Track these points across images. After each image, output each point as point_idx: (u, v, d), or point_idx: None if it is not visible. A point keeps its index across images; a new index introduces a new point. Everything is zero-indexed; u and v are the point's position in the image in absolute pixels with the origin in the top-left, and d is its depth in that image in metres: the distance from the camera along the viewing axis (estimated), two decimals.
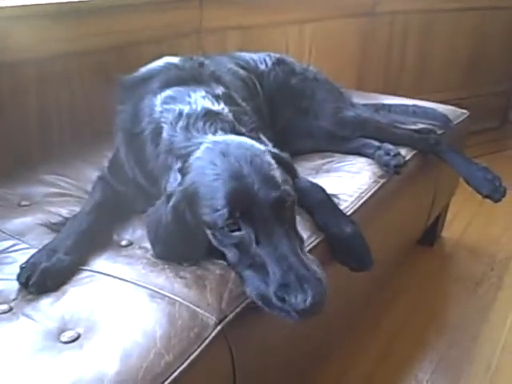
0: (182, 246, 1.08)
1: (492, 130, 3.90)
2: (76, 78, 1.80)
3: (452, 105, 2.25)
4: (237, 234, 1.00)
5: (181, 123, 1.16)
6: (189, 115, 1.17)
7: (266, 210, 0.99)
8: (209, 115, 1.18)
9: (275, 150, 1.14)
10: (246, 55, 1.84)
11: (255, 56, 1.85)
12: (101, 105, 1.75)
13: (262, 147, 1.11)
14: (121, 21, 1.86)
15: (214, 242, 1.05)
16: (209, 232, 1.05)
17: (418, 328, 1.93)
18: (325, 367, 1.72)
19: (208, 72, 1.38)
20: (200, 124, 1.16)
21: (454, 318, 1.99)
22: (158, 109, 1.23)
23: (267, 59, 1.84)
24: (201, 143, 1.10)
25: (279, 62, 1.84)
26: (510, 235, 2.54)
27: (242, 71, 1.72)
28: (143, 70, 1.39)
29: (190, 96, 1.24)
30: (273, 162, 1.07)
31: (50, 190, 1.45)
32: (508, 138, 3.91)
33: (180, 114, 1.18)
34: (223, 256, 1.06)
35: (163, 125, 1.19)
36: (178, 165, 1.10)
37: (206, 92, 1.27)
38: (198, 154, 1.08)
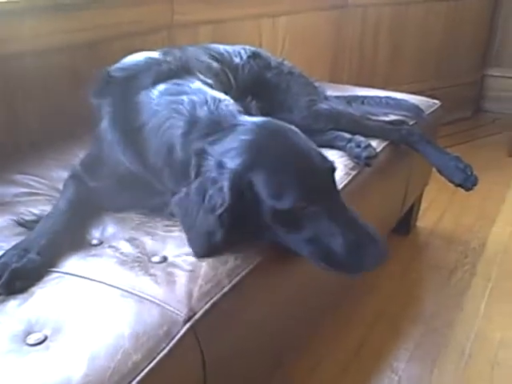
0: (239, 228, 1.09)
1: (464, 119, 3.95)
2: (46, 76, 1.77)
3: (425, 95, 2.27)
4: (309, 210, 1.04)
5: (199, 109, 1.16)
6: (202, 102, 1.17)
7: (327, 182, 1.07)
8: (221, 101, 1.19)
9: None
10: (221, 47, 1.82)
11: (230, 48, 1.83)
12: (72, 103, 1.72)
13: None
14: (91, 17, 1.82)
15: (274, 223, 1.06)
16: (270, 213, 1.05)
17: (394, 317, 1.95)
18: (300, 358, 1.73)
19: (191, 64, 1.38)
20: (222, 107, 1.17)
21: (429, 306, 2.02)
22: (158, 101, 1.21)
23: (242, 52, 1.83)
24: (236, 125, 1.11)
25: (254, 56, 1.82)
26: (483, 223, 2.58)
27: (215, 64, 1.69)
28: (124, 64, 1.36)
29: (190, 87, 1.24)
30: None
31: (20, 190, 1.41)
32: (480, 127, 3.96)
33: (191, 101, 1.18)
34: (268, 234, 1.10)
35: (174, 114, 1.17)
36: (216, 148, 1.08)
37: (202, 82, 1.29)
38: (241, 135, 1.08)
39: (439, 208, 2.70)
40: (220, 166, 1.06)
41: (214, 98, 1.20)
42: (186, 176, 1.13)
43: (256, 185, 1.04)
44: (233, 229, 1.07)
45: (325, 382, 1.66)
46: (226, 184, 1.04)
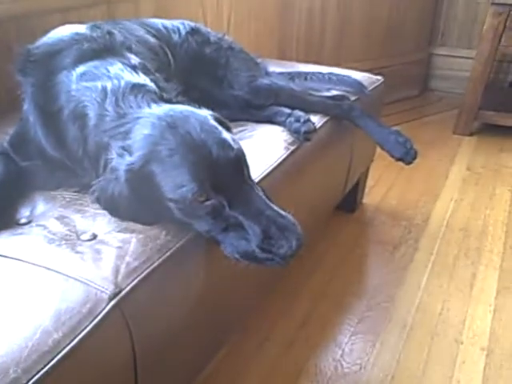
0: (146, 212, 1.09)
1: (412, 98, 4.02)
2: None
3: (372, 74, 2.27)
4: (208, 203, 1.01)
5: (108, 100, 1.12)
6: (114, 91, 1.13)
7: (230, 172, 1.03)
8: (135, 88, 1.15)
9: (213, 113, 1.15)
10: (159, 22, 1.77)
11: (168, 24, 1.78)
12: (2, 78, 1.64)
13: (203, 112, 1.11)
14: None
15: (180, 215, 1.05)
16: (173, 207, 1.03)
17: (338, 292, 1.97)
18: (245, 335, 1.73)
19: (119, 41, 1.32)
20: (131, 98, 1.12)
21: (373, 281, 2.05)
22: (76, 87, 1.16)
23: (181, 28, 1.78)
24: (138, 118, 1.07)
25: (193, 32, 1.78)
26: (427, 199, 2.63)
27: (153, 40, 1.65)
28: (48, 39, 1.28)
29: (108, 70, 1.18)
30: (217, 124, 1.09)
31: None
32: (427, 105, 4.04)
33: (104, 90, 1.13)
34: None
35: (87, 103, 1.13)
36: (119, 143, 1.06)
37: (123, 64, 1.22)
38: (142, 130, 1.05)
39: (385, 185, 2.74)
40: (119, 160, 1.05)
41: (128, 85, 1.15)
42: (99, 169, 1.12)
43: (155, 177, 1.02)
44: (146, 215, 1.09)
45: (271, 357, 1.68)
46: (122, 178, 1.03)
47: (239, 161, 1.06)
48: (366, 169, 2.41)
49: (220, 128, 1.08)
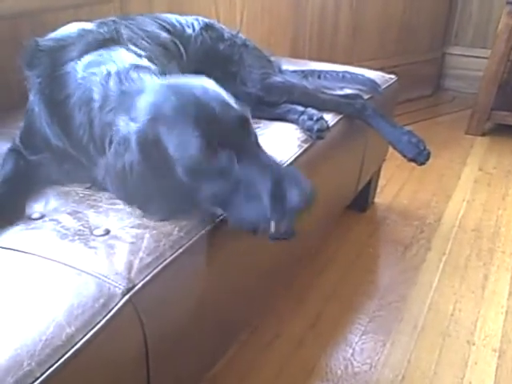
0: (158, 190, 1.06)
1: (425, 97, 3.99)
2: None
3: (385, 73, 2.25)
4: (216, 159, 1.00)
5: (112, 81, 1.12)
6: (118, 72, 1.13)
7: (235, 131, 1.02)
8: (139, 68, 1.16)
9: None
10: (173, 17, 1.76)
11: (182, 19, 1.78)
12: (14, 73, 1.65)
13: (207, 80, 1.12)
14: None
15: (189, 179, 1.03)
16: (182, 171, 1.02)
17: (349, 291, 1.96)
18: (256, 333, 1.73)
19: (126, 37, 1.33)
20: (134, 76, 1.13)
21: (384, 281, 2.04)
22: (82, 75, 1.17)
23: (195, 24, 1.78)
24: (142, 90, 1.07)
25: (207, 28, 1.78)
26: (439, 199, 2.61)
27: (164, 34, 1.64)
28: (56, 35, 1.29)
29: (112, 56, 1.19)
30: (221, 89, 1.09)
31: None
32: (440, 104, 4.01)
33: (108, 73, 1.14)
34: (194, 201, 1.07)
35: (92, 87, 1.13)
36: (124, 117, 1.05)
37: (128, 50, 1.24)
38: (145, 98, 1.05)
39: (397, 184, 2.72)
40: (127, 129, 1.04)
41: (132, 66, 1.16)
42: (106, 151, 1.10)
43: (162, 141, 1.01)
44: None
45: (281, 355, 1.67)
46: (133, 143, 1.02)
47: (244, 121, 1.05)
48: (378, 168, 2.40)
49: (224, 92, 1.09)
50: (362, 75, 2.03)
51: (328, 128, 1.60)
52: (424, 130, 3.05)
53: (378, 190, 2.57)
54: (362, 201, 2.40)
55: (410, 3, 3.59)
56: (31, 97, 1.25)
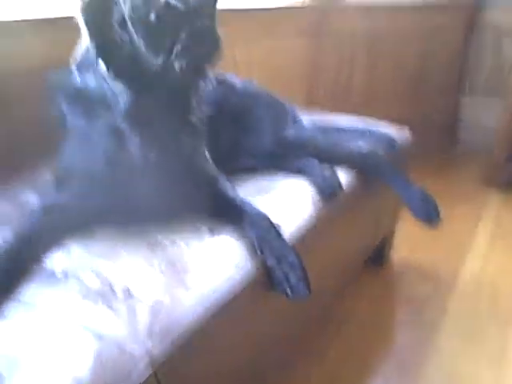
0: None
1: (439, 148, 3.98)
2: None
3: (399, 124, 2.27)
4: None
5: None
6: None
7: None
8: None
9: None
10: None
11: None
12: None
13: None
14: None
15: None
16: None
17: (365, 352, 1.92)
18: None
19: None
20: None
21: (400, 341, 2.00)
22: None
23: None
24: None
25: (219, 82, 1.81)
26: (454, 255, 2.57)
27: None
28: None
29: None
30: None
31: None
32: (455, 156, 4.00)
33: None
34: None
35: None
36: None
37: None
38: None
39: (413, 239, 2.68)
40: None
41: None
42: None
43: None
44: None
45: None
46: None
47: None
48: (394, 222, 2.39)
49: None
50: (378, 130, 2.04)
51: (341, 188, 1.60)
52: (439, 181, 3.04)
53: (394, 244, 2.55)
54: (377, 255, 2.38)
55: (424, 52, 3.63)
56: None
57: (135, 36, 1.17)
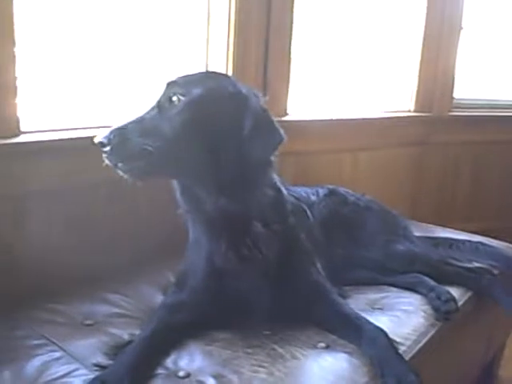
0: None
1: None
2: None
3: (506, 235, 2.20)
4: None
5: None
6: None
7: None
8: None
9: None
10: (301, 190, 1.89)
11: (308, 189, 1.92)
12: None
13: None
14: None
15: None
16: None
17: None
18: None
19: None
20: None
21: None
22: None
23: (320, 191, 1.91)
24: None
25: (331, 193, 1.90)
26: None
27: (292, 199, 1.68)
28: None
29: None
30: None
31: (112, 310, 1.51)
32: None
33: None
34: None
35: None
36: None
37: None
38: None
39: None
40: None
41: None
42: None
43: None
44: None
45: None
46: None
47: None
48: (504, 341, 2.28)
49: None
50: (497, 248, 1.97)
51: (457, 310, 1.56)
52: None
53: (503, 361, 2.40)
54: (485, 373, 2.26)
55: None
56: None
57: None
